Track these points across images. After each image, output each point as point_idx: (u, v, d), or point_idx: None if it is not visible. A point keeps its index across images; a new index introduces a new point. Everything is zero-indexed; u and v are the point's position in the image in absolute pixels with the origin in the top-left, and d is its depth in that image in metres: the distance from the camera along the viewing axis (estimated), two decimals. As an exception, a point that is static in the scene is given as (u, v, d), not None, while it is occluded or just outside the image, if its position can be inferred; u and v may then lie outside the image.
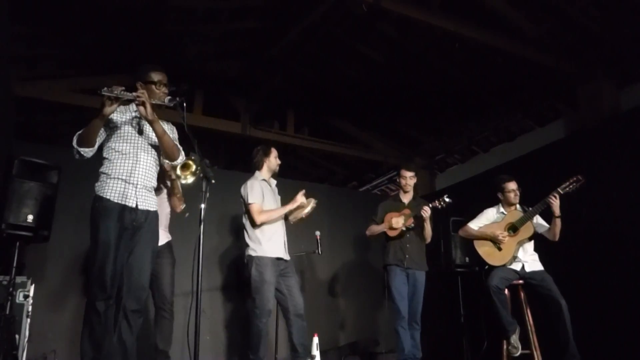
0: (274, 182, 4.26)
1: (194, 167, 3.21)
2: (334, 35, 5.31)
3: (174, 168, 3.29)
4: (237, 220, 5.37)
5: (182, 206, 3.82)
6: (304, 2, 4.81)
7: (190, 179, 3.26)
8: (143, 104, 2.72)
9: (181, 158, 3.05)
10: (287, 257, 4.05)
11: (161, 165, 3.13)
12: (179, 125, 2.94)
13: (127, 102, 2.81)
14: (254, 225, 3.97)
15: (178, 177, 3.31)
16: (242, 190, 4.06)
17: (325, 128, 7.23)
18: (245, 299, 4.07)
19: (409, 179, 4.47)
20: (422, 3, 4.68)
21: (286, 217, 4.16)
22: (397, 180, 4.70)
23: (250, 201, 3.97)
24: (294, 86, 6.42)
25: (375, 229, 4.49)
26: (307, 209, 4.10)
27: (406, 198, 4.49)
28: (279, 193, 4.28)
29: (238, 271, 5.36)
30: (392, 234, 4.36)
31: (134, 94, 2.72)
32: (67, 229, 4.53)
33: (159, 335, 3.76)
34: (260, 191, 4.02)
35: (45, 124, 6.83)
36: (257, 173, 4.17)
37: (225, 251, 5.47)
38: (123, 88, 2.67)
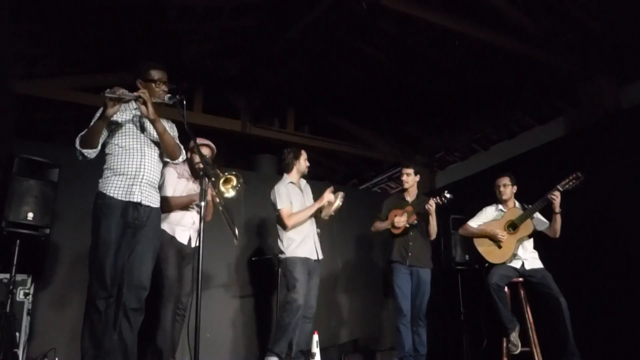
0: (303, 182, 4.33)
1: (234, 182, 3.27)
2: (334, 33, 5.30)
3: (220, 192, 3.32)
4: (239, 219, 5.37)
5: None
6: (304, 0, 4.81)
7: (231, 193, 3.31)
8: (145, 103, 2.72)
9: (182, 157, 3.06)
10: (317, 257, 4.12)
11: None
12: (179, 123, 2.94)
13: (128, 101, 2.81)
14: (286, 228, 4.05)
15: (221, 193, 3.33)
16: (271, 196, 4.14)
17: (326, 126, 7.23)
18: (272, 298, 4.15)
19: (405, 175, 4.51)
20: (422, 0, 4.67)
21: (317, 216, 4.21)
22: (400, 178, 4.75)
23: (279, 206, 4.06)
24: (294, 84, 6.41)
25: (379, 225, 4.54)
26: (337, 202, 4.14)
27: (409, 196, 4.52)
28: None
29: (238, 269, 5.37)
30: (395, 232, 4.40)
31: (135, 93, 2.73)
32: (67, 227, 4.53)
33: None
34: (288, 195, 4.10)
35: (45, 122, 6.83)
36: (285, 176, 4.24)
37: (225, 249, 5.46)
38: (124, 90, 2.68)
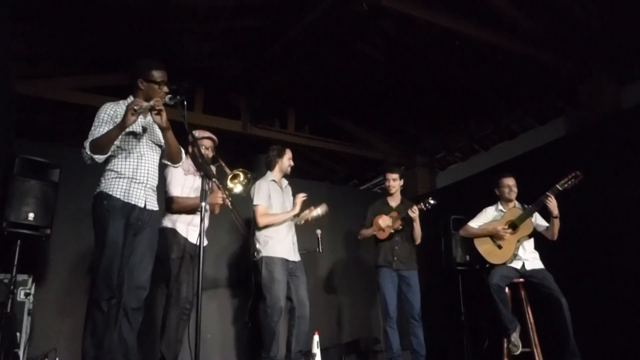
0: (285, 182, 4.31)
1: (242, 177, 3.32)
2: (334, 33, 5.31)
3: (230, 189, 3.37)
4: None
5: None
6: (305, 0, 4.81)
7: (239, 188, 3.35)
8: (159, 112, 2.74)
9: (182, 161, 3.14)
10: (295, 258, 4.10)
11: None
12: (179, 123, 2.95)
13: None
14: (258, 227, 4.02)
15: (229, 189, 3.37)
16: (251, 190, 4.09)
17: (326, 126, 7.23)
18: (256, 300, 4.09)
19: (391, 181, 4.54)
20: (422, 0, 4.67)
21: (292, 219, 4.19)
22: (384, 183, 4.76)
23: (255, 202, 4.04)
24: (295, 84, 6.41)
25: (365, 232, 4.58)
26: (317, 212, 4.14)
27: (393, 201, 4.54)
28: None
29: (239, 269, 5.37)
30: (381, 236, 4.44)
31: (152, 103, 2.74)
32: (68, 227, 4.53)
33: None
34: (267, 192, 4.08)
35: (46, 122, 6.82)
36: (268, 173, 4.24)
37: (227, 249, 5.47)
38: (146, 103, 2.72)
